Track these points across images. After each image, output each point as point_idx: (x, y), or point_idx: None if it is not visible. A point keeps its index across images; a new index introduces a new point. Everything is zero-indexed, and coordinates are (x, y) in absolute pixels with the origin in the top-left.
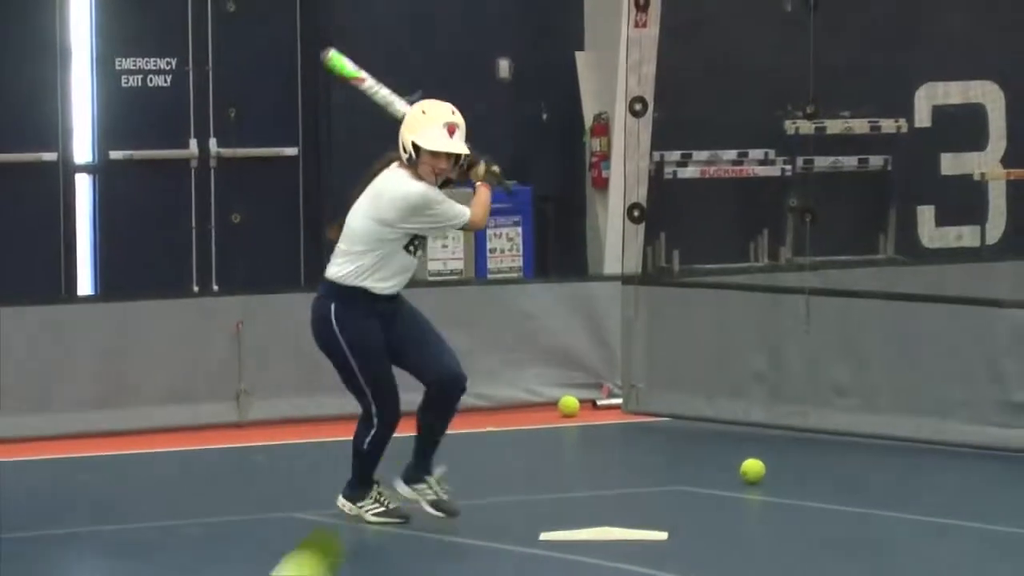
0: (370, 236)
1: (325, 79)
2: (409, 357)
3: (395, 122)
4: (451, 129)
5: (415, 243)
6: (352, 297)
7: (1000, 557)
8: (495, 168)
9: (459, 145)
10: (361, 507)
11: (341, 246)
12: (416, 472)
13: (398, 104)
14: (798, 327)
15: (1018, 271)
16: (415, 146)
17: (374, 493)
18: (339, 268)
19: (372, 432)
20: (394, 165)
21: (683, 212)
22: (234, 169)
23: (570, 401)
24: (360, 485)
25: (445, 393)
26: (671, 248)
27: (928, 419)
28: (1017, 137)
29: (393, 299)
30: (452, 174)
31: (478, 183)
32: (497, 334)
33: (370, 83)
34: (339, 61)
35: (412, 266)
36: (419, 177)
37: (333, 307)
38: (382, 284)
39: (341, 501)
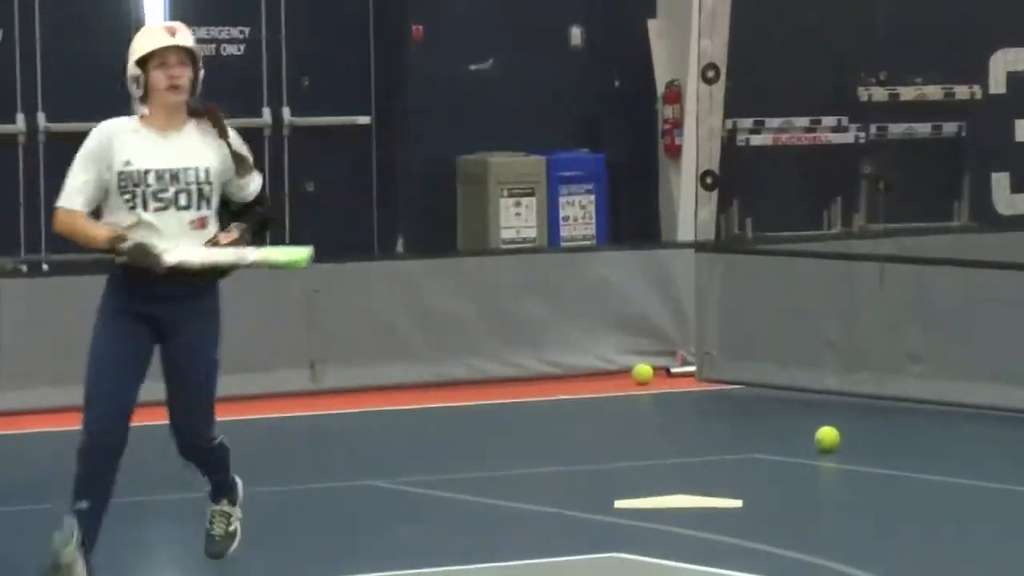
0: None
1: (398, 47)
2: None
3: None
4: (171, 30)
5: (132, 193)
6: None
7: None
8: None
9: (184, 38)
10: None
11: None
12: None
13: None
14: (872, 294)
15: None
16: (143, 68)
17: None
18: None
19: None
20: None
21: (756, 179)
22: (307, 138)
23: (644, 369)
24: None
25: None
26: (744, 215)
27: (1002, 386)
28: None
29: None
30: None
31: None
32: (570, 302)
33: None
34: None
35: (154, 228)
36: (141, 117)
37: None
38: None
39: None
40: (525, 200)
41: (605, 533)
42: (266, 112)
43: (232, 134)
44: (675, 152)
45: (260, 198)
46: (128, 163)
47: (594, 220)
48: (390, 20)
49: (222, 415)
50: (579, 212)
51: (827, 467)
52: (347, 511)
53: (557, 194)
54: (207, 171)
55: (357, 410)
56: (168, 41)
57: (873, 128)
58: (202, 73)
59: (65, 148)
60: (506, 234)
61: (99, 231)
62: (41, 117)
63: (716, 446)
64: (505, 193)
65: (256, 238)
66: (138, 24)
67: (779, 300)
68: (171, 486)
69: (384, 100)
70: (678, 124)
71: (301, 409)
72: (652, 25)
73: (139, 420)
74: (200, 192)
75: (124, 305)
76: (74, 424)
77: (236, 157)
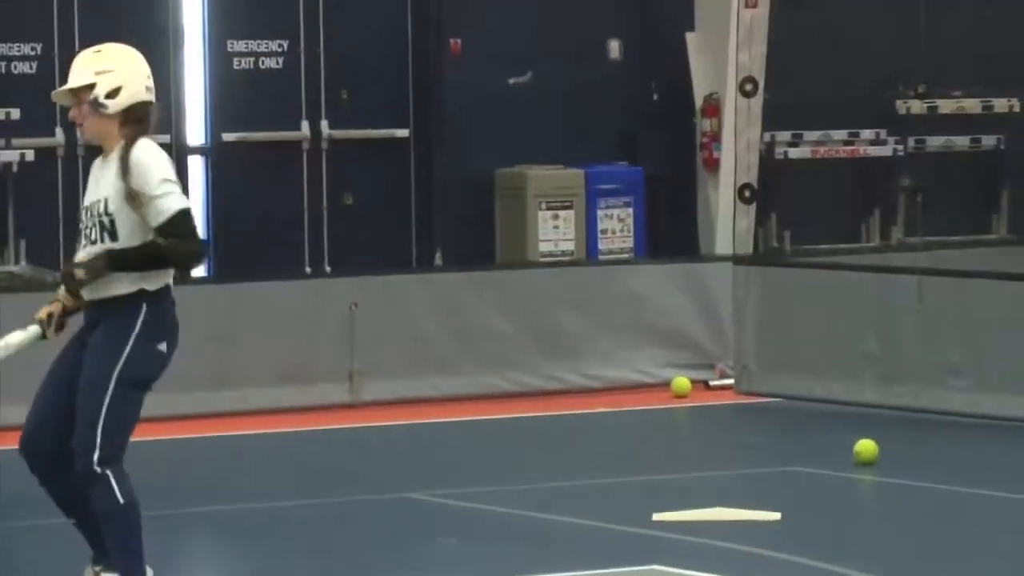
0: None
1: (436, 61)
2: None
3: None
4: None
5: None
6: None
7: None
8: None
9: (71, 79)
10: None
11: None
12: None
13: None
14: (910, 307)
15: None
16: None
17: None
18: None
19: None
20: None
21: (794, 192)
22: (346, 151)
23: (682, 382)
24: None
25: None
26: (782, 228)
27: None
28: None
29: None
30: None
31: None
32: (608, 315)
33: None
34: None
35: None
36: None
37: None
38: None
39: None
40: (563, 213)
41: (643, 546)
42: (304, 125)
43: (136, 160)
44: (713, 165)
45: (165, 230)
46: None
47: (632, 233)
48: (428, 34)
49: (260, 428)
50: (617, 225)
51: (865, 480)
52: (385, 524)
53: (595, 207)
54: (106, 202)
55: (395, 423)
56: (55, 93)
57: (911, 141)
58: (103, 90)
59: None
60: (544, 247)
61: None
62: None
63: (754, 459)
64: (543, 206)
65: (124, 268)
66: (177, 37)
67: (817, 313)
68: (198, 498)
69: (422, 113)
70: (716, 137)
71: (340, 422)
72: (690, 38)
73: (159, 434)
74: (101, 224)
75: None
76: None
77: (127, 191)
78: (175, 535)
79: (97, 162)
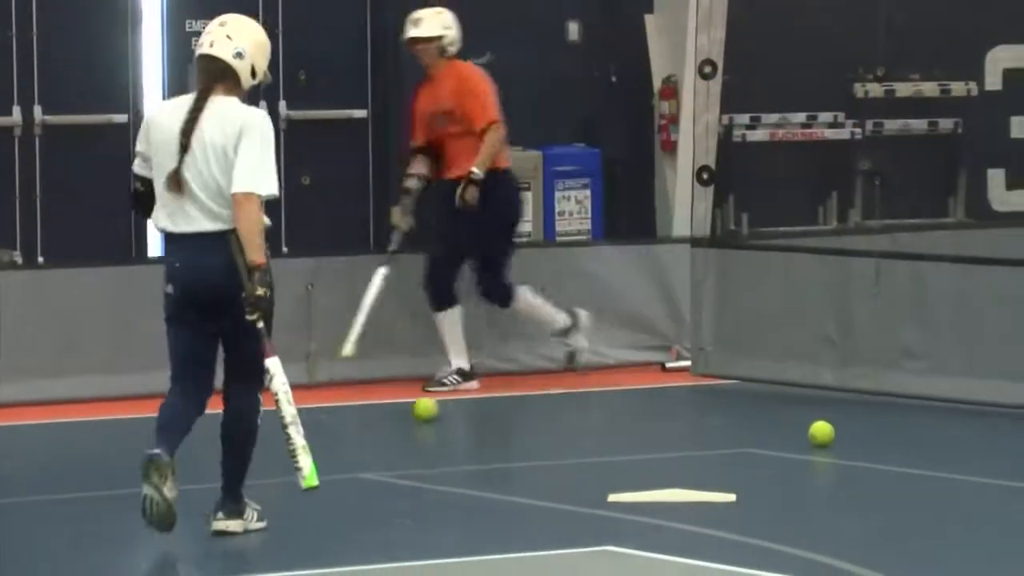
0: None
1: (395, 41)
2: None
3: None
4: None
5: None
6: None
7: None
8: None
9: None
10: (248, 519)
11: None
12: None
13: None
14: (867, 290)
15: None
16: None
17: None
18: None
19: (260, 405)
20: (223, 93)
21: (752, 175)
22: (303, 131)
23: (425, 404)
24: (239, 496)
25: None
26: (740, 211)
27: (998, 382)
28: None
29: None
30: None
31: None
32: (565, 297)
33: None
34: None
35: None
36: None
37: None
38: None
39: (231, 524)
40: (521, 195)
41: (598, 526)
42: (263, 105)
43: None
44: (671, 148)
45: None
46: None
47: (589, 215)
48: (386, 14)
49: (215, 408)
50: (575, 207)
51: (821, 462)
52: (340, 504)
53: (553, 189)
54: None
55: (352, 403)
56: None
57: (869, 124)
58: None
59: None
60: None
61: None
62: (38, 110)
63: (710, 441)
64: None
65: None
66: (134, 17)
67: (774, 295)
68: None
69: (380, 94)
70: (674, 120)
71: (296, 402)
72: (649, 20)
73: (112, 413)
74: None
75: None
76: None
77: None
78: (120, 514)
79: None
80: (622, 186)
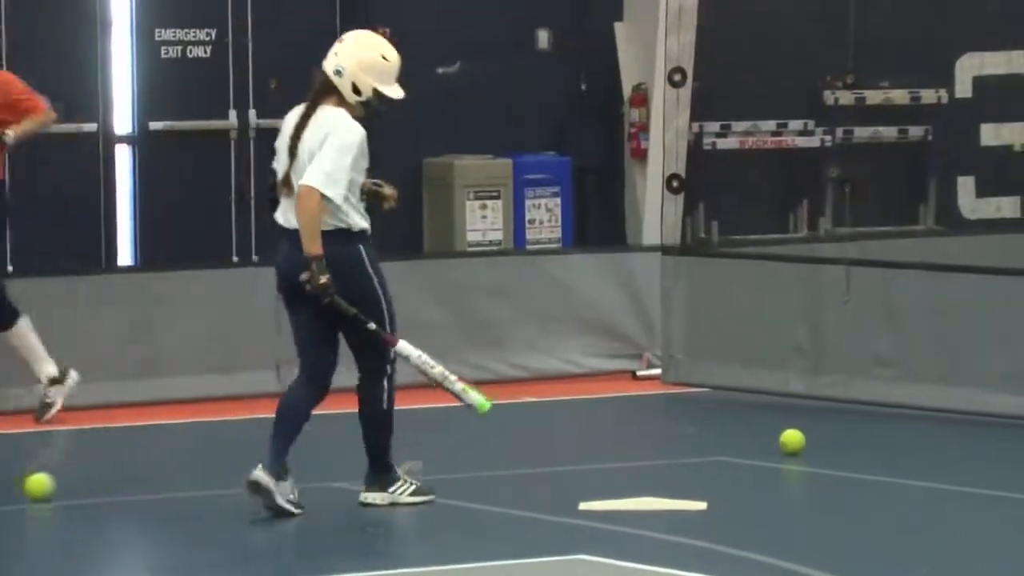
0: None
1: None
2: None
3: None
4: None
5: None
6: (367, 239)
7: None
8: None
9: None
10: (394, 491)
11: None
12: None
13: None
14: (838, 298)
15: None
16: (374, 91)
17: (402, 472)
18: (340, 213)
19: (389, 388)
20: (333, 103)
21: (722, 183)
22: (273, 140)
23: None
24: (386, 467)
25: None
26: (710, 219)
27: (968, 390)
28: None
29: None
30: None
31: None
32: (536, 305)
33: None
34: None
35: None
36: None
37: (363, 251)
38: (367, 223)
39: (371, 496)
40: (491, 203)
41: (569, 535)
42: (232, 114)
43: None
44: (641, 155)
45: None
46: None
47: (560, 223)
48: (356, 23)
49: (187, 417)
50: (545, 215)
51: (792, 470)
52: (311, 513)
53: (523, 197)
54: None
55: (323, 412)
56: (401, 94)
57: (839, 131)
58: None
59: None
60: (472, 236)
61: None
62: None
63: (681, 449)
64: (471, 196)
65: None
66: (104, 25)
67: (745, 303)
68: (126, 486)
69: None
70: (644, 127)
71: (267, 411)
72: (619, 28)
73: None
74: None
75: None
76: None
77: None
78: (102, 524)
79: None
80: (592, 194)
